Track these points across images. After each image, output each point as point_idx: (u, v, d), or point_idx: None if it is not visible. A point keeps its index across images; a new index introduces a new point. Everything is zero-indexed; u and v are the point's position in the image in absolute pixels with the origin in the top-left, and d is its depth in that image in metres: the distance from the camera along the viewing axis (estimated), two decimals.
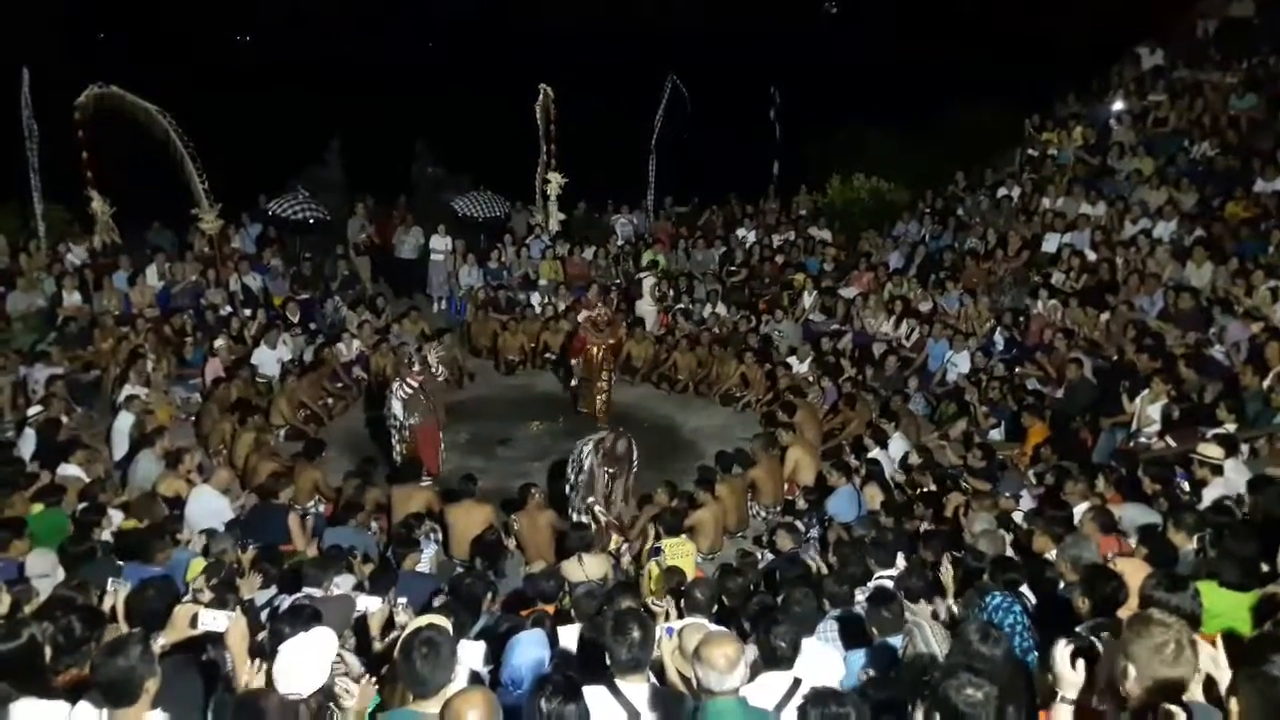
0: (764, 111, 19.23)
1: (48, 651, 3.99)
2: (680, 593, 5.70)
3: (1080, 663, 3.52)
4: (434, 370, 11.02)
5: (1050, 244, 14.45)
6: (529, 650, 4.30)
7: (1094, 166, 16.32)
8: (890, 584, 5.93)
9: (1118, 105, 17.65)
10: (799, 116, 19.63)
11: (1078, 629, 4.31)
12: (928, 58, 23.62)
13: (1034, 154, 17.46)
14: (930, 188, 17.93)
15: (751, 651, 4.63)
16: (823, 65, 25.33)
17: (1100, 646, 3.66)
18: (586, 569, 7.43)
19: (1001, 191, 16.62)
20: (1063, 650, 3.53)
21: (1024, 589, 5.59)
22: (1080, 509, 7.11)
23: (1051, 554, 6.11)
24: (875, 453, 10.22)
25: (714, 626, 4.86)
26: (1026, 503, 8.41)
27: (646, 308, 15.82)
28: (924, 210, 17.16)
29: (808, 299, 15.26)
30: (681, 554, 7.93)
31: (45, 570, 6.03)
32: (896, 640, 4.72)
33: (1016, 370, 12.15)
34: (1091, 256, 13.76)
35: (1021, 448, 10.49)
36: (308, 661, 3.73)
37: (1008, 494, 8.49)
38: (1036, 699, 4.21)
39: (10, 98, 14.21)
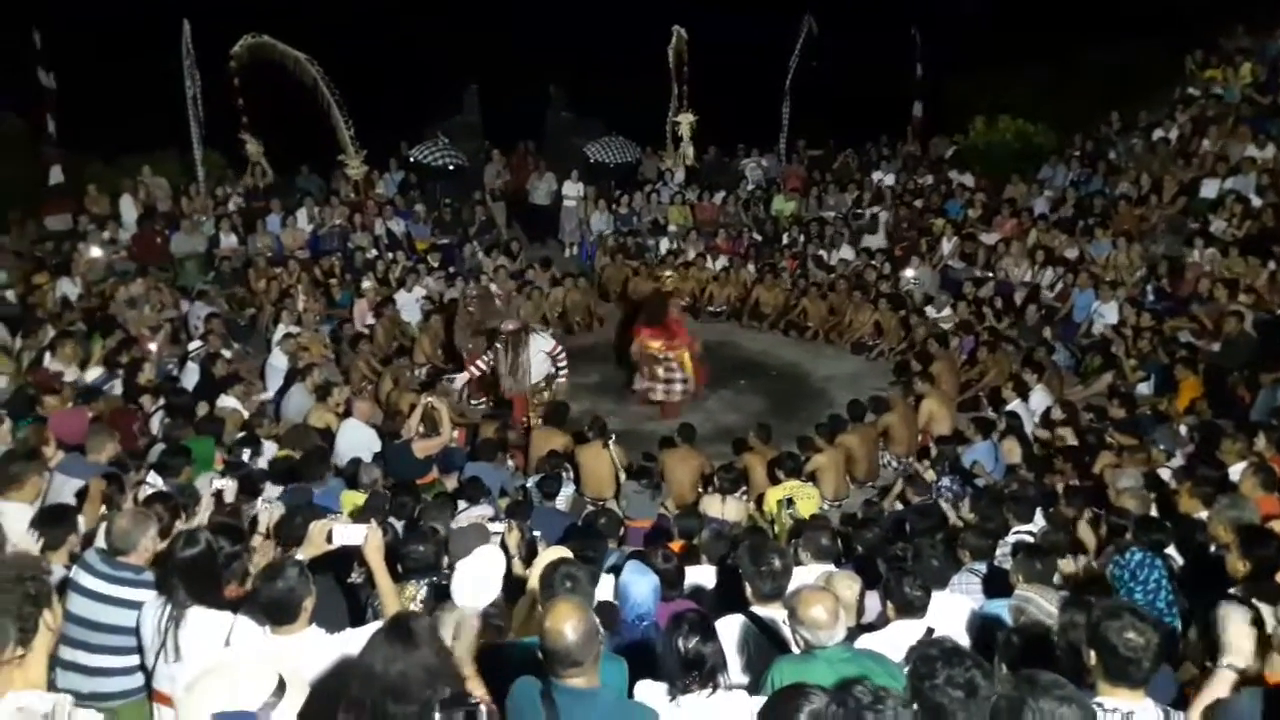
0: (904, 51, 18.56)
1: None
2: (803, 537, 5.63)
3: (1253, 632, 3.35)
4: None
5: (1209, 189, 13.58)
6: (640, 581, 4.37)
7: (1263, 106, 15.19)
8: (1029, 539, 5.80)
9: None
10: (941, 56, 18.84)
11: (1231, 590, 4.14)
12: None
13: (1195, 93, 16.35)
14: (1080, 130, 17.02)
15: (873, 600, 4.62)
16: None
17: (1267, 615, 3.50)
18: (726, 510, 7.55)
19: (1158, 133, 15.68)
20: (1240, 617, 3.35)
21: (1170, 550, 5.39)
22: (1237, 469, 6.77)
23: (1201, 515, 5.85)
24: (1014, 405, 9.94)
25: (843, 571, 4.85)
26: (1177, 461, 8.02)
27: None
28: (1073, 154, 16.34)
29: (947, 245, 14.80)
30: (804, 497, 7.97)
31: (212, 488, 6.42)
32: (1001, 608, 4.56)
33: (1167, 323, 11.55)
34: (1256, 202, 12.88)
35: (1174, 402, 9.99)
36: (484, 577, 3.91)
37: (1160, 447, 8.11)
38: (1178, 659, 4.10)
39: (172, 49, 14.91)
